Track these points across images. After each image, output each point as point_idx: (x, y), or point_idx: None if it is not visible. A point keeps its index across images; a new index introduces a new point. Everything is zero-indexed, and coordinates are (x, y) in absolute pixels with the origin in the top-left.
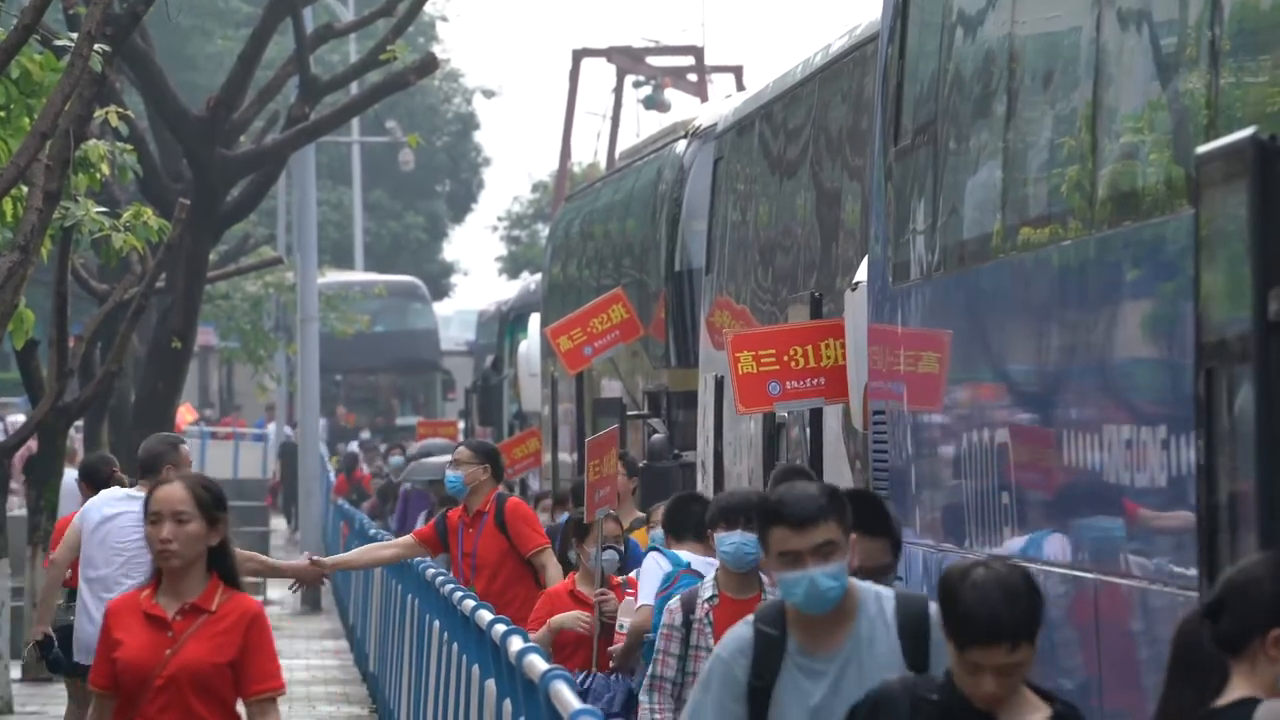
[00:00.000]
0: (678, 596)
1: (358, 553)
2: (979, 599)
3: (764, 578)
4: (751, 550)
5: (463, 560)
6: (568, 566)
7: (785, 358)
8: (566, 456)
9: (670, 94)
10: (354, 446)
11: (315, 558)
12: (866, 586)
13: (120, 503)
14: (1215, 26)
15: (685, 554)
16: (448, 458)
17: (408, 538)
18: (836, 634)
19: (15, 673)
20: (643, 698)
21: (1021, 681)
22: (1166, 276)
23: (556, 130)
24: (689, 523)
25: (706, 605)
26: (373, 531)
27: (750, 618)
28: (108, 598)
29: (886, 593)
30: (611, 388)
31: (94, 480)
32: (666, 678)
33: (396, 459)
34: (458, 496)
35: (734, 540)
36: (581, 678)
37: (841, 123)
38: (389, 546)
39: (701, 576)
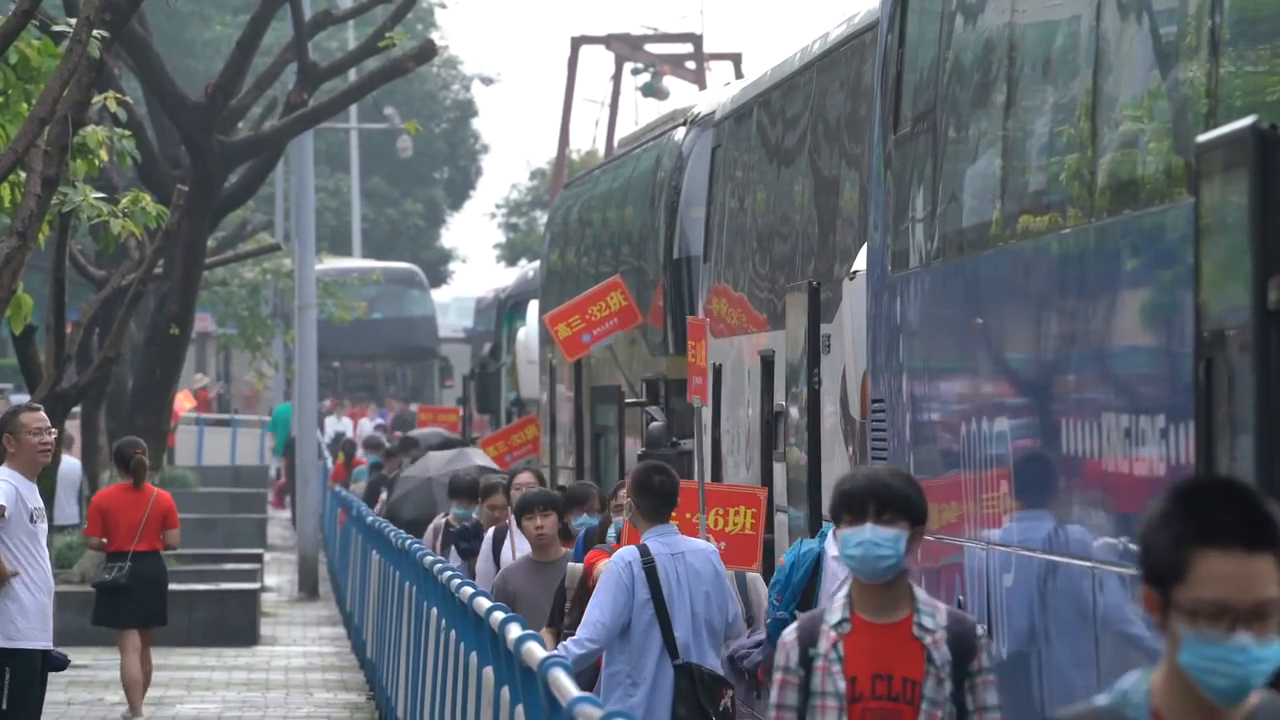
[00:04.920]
0: (794, 625)
1: None
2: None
3: (916, 591)
4: (888, 552)
5: None
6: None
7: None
8: (563, 445)
9: (669, 81)
10: (341, 422)
11: None
12: None
13: None
14: (1215, 15)
15: (655, 539)
16: (457, 466)
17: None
18: None
19: None
20: None
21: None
22: (1166, 265)
23: (555, 117)
24: (653, 498)
25: (834, 634)
26: (370, 519)
27: None
28: None
29: None
30: (610, 375)
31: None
32: None
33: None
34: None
35: (863, 538)
36: None
37: (840, 111)
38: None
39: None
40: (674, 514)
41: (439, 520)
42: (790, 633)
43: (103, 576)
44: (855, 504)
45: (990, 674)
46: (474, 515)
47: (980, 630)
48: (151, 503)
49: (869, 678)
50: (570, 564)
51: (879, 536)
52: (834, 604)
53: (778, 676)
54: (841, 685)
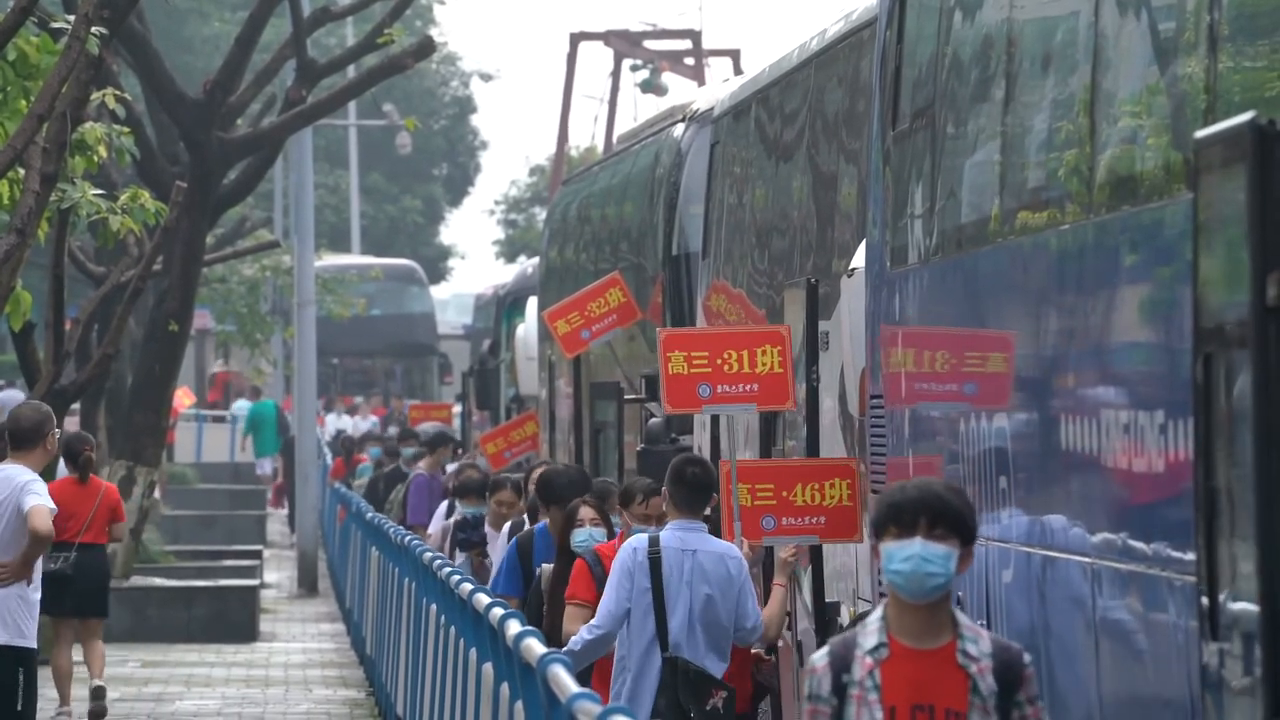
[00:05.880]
0: (824, 649)
1: None
2: None
3: (957, 615)
4: (938, 570)
5: None
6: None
7: (719, 361)
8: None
9: (668, 78)
10: (345, 420)
11: None
12: None
13: None
14: (1214, 10)
15: (674, 532)
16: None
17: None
18: None
19: None
20: None
21: None
22: (1164, 261)
23: (554, 114)
24: (685, 489)
25: (870, 660)
26: (370, 515)
27: None
28: None
29: None
30: (609, 371)
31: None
32: None
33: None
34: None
35: (910, 553)
36: None
37: (838, 107)
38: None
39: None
40: (772, 494)
41: (447, 522)
42: (821, 658)
43: (48, 566)
44: (905, 516)
45: (1039, 701)
46: (481, 513)
47: (1028, 658)
48: (100, 496)
49: (908, 708)
50: (544, 565)
51: (930, 553)
52: (867, 627)
53: (807, 706)
54: (879, 716)
